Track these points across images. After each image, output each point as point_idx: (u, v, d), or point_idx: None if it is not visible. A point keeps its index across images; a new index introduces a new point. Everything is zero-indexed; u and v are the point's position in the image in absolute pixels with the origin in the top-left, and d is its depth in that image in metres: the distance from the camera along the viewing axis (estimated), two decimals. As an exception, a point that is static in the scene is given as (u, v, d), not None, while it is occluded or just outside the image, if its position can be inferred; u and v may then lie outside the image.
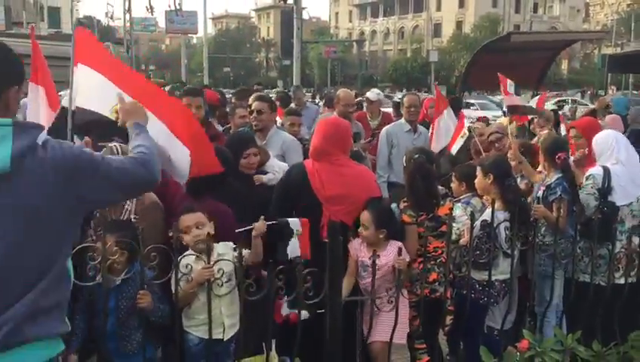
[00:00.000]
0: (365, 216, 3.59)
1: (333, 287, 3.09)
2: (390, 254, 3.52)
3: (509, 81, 5.88)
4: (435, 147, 5.99)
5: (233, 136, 4.80)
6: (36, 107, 3.98)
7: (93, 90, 3.22)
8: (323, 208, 3.63)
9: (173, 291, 2.99)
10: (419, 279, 3.55)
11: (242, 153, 4.06)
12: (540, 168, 4.56)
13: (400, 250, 3.34)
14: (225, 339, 3.24)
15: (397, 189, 5.92)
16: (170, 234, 2.98)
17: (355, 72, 56.57)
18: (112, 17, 47.22)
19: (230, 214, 3.51)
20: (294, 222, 3.44)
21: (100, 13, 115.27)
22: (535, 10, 75.59)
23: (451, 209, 3.90)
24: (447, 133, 6.10)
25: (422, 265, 3.52)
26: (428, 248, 3.68)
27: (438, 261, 3.83)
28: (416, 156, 4.09)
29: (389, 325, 3.19)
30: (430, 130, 6.25)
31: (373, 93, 7.56)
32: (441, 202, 3.93)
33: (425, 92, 36.26)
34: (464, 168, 4.51)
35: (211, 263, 2.97)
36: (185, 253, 3.05)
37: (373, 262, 2.94)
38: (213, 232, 3.14)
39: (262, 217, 3.38)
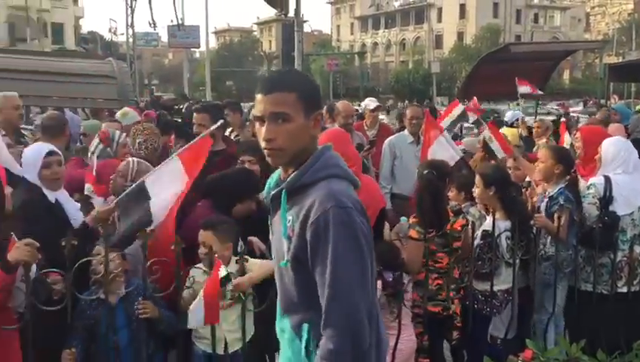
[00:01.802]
0: None
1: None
2: None
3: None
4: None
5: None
6: None
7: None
8: None
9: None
10: (429, 296, 3.54)
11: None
12: (537, 177, 4.55)
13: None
14: (229, 353, 3.25)
15: (400, 201, 5.94)
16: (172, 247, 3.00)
17: (357, 84, 56.70)
18: (115, 32, 47.53)
19: None
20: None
21: (103, 28, 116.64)
22: (536, 20, 75.85)
23: (464, 225, 3.81)
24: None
25: (436, 282, 3.51)
26: (441, 265, 3.66)
27: (449, 276, 3.74)
28: (426, 172, 3.99)
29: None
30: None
31: (372, 101, 7.46)
32: (455, 218, 3.84)
33: (427, 103, 36.32)
34: (462, 178, 4.52)
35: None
36: (194, 266, 3.09)
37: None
38: (227, 252, 3.21)
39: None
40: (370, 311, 1.87)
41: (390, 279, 3.40)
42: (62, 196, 3.55)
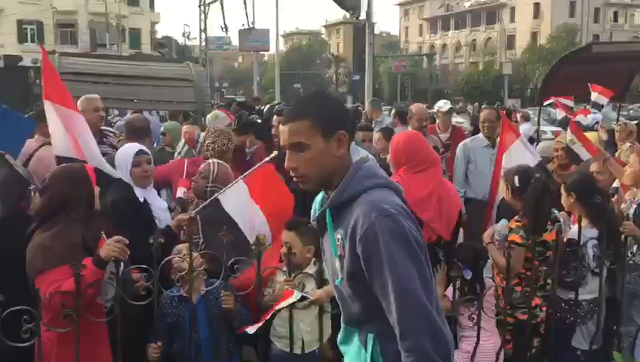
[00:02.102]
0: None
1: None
2: None
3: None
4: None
5: None
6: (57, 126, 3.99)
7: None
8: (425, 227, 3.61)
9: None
10: (517, 304, 3.46)
11: None
12: (627, 182, 4.35)
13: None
14: (305, 353, 3.27)
15: (474, 205, 5.82)
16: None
17: (425, 85, 56.08)
18: (188, 37, 48.86)
19: None
20: None
21: (177, 33, 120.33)
22: (615, 19, 72.52)
23: (557, 234, 3.65)
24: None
25: (522, 289, 3.42)
26: (530, 273, 3.55)
27: (538, 285, 3.63)
28: (538, 175, 3.84)
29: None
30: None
31: (444, 104, 7.24)
32: (552, 228, 3.72)
33: (498, 105, 35.46)
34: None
35: (292, 277, 3.04)
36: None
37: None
38: (308, 254, 3.26)
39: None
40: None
41: (469, 277, 3.35)
42: (150, 195, 3.70)
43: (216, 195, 3.35)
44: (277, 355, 3.32)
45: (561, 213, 4.09)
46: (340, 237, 1.92)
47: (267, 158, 3.55)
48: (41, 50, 4.28)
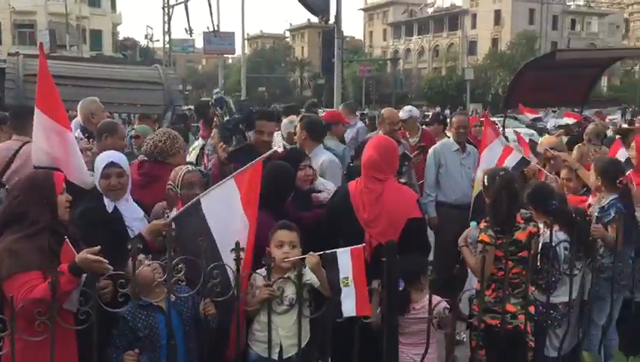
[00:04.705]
0: None
1: (391, 306, 3.10)
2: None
3: None
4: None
5: (290, 150, 4.90)
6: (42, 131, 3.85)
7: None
8: (365, 228, 3.66)
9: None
10: (487, 308, 3.47)
11: (298, 165, 4.16)
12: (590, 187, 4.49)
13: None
14: (283, 358, 3.25)
15: (445, 209, 5.91)
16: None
17: (390, 90, 56.57)
18: (151, 39, 48.19)
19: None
20: (344, 257, 3.03)
21: (139, 35, 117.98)
22: (573, 26, 74.56)
23: (532, 233, 3.68)
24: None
25: (495, 293, 3.45)
26: (503, 275, 3.51)
27: (516, 290, 3.65)
28: (502, 173, 3.89)
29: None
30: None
31: (403, 112, 7.29)
32: (525, 226, 3.74)
33: (460, 110, 36.00)
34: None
35: (271, 281, 3.03)
36: (256, 271, 3.12)
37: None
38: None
39: (310, 253, 3.18)
40: None
41: (401, 289, 3.34)
42: (123, 205, 3.60)
43: (198, 197, 3.26)
44: (254, 360, 3.30)
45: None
46: None
47: (265, 155, 3.39)
48: (39, 50, 4.05)
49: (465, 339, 4.51)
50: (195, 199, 3.19)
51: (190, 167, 3.85)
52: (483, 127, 5.91)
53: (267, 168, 3.94)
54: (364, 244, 3.11)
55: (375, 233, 3.60)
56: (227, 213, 3.18)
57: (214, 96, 5.12)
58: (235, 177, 3.24)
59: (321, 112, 8.41)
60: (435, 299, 3.38)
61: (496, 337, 3.42)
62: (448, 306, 3.32)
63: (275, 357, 3.22)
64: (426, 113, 26.78)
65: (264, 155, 3.38)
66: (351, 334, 3.04)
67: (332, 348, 3.20)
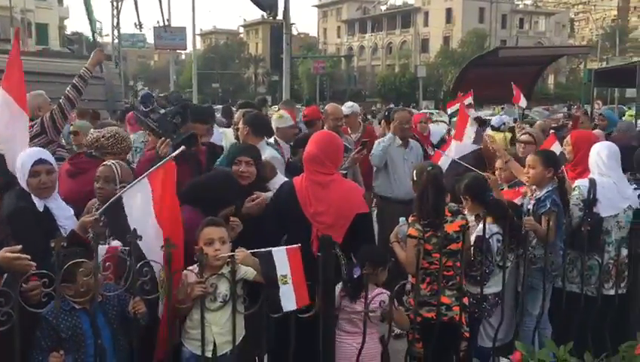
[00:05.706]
0: None
1: (327, 300, 3.11)
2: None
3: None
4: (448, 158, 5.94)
5: (232, 145, 4.85)
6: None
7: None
8: (312, 223, 3.66)
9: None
10: (423, 301, 3.50)
11: (234, 160, 4.10)
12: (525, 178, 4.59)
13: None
14: (217, 356, 3.21)
15: (391, 204, 5.95)
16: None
17: (344, 87, 56.86)
18: (100, 34, 46.94)
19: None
20: (280, 255, 3.04)
21: (88, 29, 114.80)
22: (521, 25, 76.53)
23: (462, 226, 3.74)
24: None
25: (430, 286, 3.48)
26: (436, 268, 3.56)
27: (450, 283, 3.69)
28: (430, 168, 3.95)
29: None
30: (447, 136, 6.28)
31: (345, 108, 7.22)
32: (452, 218, 3.79)
33: (413, 107, 36.48)
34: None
35: (204, 278, 2.98)
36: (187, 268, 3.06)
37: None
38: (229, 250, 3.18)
39: (239, 248, 3.18)
40: None
41: (356, 276, 3.36)
42: (53, 203, 3.48)
43: (120, 193, 3.17)
44: (187, 358, 3.25)
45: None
46: None
47: (173, 154, 3.28)
48: (15, 37, 4.17)
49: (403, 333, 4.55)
50: (117, 195, 3.14)
51: (110, 162, 3.73)
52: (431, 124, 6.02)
53: (206, 176, 3.90)
54: (299, 244, 3.10)
55: (323, 227, 3.60)
56: (142, 211, 3.12)
57: (139, 93, 5.04)
58: (149, 176, 3.17)
59: (275, 109, 8.35)
60: (378, 290, 3.42)
61: (433, 329, 3.46)
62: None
63: (209, 354, 3.18)
64: (380, 110, 27.05)
65: (172, 154, 3.29)
66: (287, 328, 3.03)
67: (269, 343, 3.18)
